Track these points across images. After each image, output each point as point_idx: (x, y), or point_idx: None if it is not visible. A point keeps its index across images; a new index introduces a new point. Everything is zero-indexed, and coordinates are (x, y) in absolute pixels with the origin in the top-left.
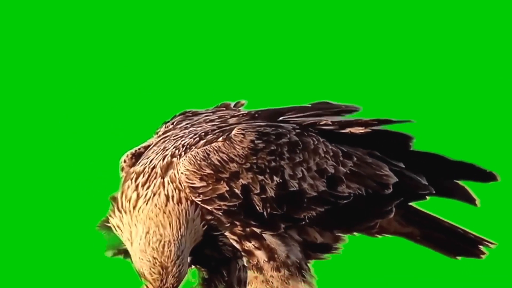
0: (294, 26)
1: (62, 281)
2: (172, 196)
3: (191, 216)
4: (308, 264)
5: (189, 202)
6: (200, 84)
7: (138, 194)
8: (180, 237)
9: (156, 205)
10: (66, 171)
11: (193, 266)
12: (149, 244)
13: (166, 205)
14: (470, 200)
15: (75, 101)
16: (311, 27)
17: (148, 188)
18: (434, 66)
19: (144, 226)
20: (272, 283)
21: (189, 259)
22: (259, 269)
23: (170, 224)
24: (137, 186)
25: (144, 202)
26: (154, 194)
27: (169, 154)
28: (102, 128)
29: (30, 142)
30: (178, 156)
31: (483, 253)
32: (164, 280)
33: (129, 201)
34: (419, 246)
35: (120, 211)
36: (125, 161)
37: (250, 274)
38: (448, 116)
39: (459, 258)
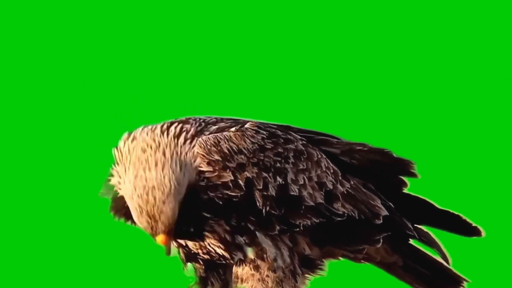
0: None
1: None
2: (161, 131)
3: (185, 154)
4: (303, 270)
5: (187, 141)
6: (196, 90)
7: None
8: (165, 178)
9: (148, 142)
10: (64, 170)
11: (189, 264)
12: (135, 190)
13: (153, 141)
14: (444, 257)
15: (73, 102)
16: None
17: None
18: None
19: (134, 169)
20: (267, 282)
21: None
22: (256, 267)
23: (156, 164)
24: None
25: (133, 139)
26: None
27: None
28: (99, 128)
29: (30, 142)
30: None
31: None
32: (154, 227)
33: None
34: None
35: (118, 161)
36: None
37: (247, 271)
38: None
39: None
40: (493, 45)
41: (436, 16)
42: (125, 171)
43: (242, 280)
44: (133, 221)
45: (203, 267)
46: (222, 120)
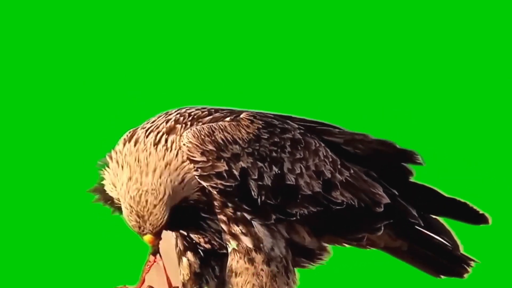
0: (287, 34)
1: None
2: (165, 142)
3: (179, 165)
4: (294, 268)
5: (179, 153)
6: (194, 87)
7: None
8: (159, 185)
9: (145, 147)
10: (63, 170)
11: (184, 259)
12: (128, 192)
13: (155, 149)
14: (454, 245)
15: (72, 102)
16: (304, 36)
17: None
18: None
19: (129, 170)
20: (262, 277)
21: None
22: (251, 260)
23: (153, 171)
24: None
25: (136, 142)
26: (147, 136)
27: (173, 118)
28: (98, 128)
29: (29, 142)
30: (183, 125)
31: (467, 272)
32: (142, 227)
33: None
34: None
35: (116, 160)
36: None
37: (241, 264)
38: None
39: (442, 277)
40: (492, 33)
41: (432, 12)
42: (122, 169)
43: (236, 274)
44: (120, 212)
45: (198, 262)
46: (217, 111)
